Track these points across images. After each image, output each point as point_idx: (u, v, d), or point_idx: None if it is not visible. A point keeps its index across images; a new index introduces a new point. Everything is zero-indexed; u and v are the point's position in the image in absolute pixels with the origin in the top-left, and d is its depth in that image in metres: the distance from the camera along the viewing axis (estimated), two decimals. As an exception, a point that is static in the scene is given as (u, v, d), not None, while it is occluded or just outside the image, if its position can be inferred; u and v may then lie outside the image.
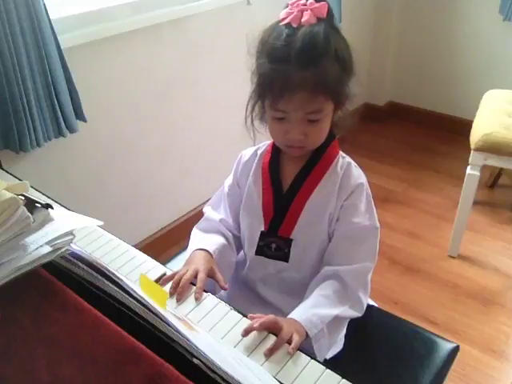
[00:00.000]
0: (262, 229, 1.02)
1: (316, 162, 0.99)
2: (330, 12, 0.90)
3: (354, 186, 0.98)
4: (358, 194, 0.98)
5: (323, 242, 1.00)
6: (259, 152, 1.07)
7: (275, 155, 1.03)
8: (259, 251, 1.04)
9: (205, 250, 0.99)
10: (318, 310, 0.88)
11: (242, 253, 1.12)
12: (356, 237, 0.97)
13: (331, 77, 0.87)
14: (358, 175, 1.00)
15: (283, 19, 0.89)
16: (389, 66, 3.08)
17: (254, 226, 1.04)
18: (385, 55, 3.03)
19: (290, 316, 0.87)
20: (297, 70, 0.85)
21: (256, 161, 1.06)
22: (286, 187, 1.01)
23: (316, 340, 0.85)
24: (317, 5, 0.88)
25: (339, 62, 0.88)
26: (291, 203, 0.99)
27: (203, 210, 1.14)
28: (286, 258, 1.01)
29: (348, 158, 1.02)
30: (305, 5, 0.89)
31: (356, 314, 0.94)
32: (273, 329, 0.79)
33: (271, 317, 0.80)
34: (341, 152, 1.02)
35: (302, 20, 0.87)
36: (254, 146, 1.07)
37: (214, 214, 1.11)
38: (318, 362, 0.75)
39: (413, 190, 2.51)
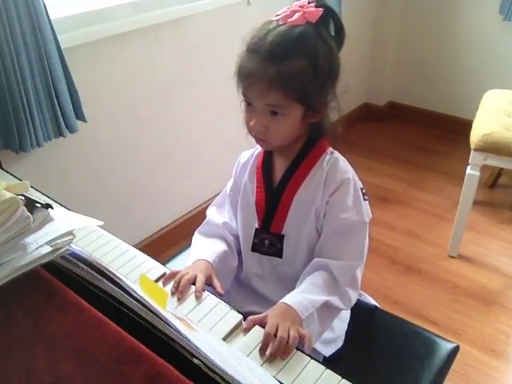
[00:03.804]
0: (257, 226, 1.03)
1: (303, 158, 1.00)
2: (327, 18, 0.91)
3: (340, 181, 0.97)
4: (345, 189, 0.97)
5: (312, 237, 1.00)
6: (256, 153, 1.08)
7: (268, 153, 1.04)
8: (254, 248, 1.05)
9: (205, 260, 0.99)
10: (309, 295, 0.89)
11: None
12: (344, 232, 0.97)
13: (295, 77, 0.87)
14: (345, 170, 0.99)
15: (276, 15, 0.92)
16: (389, 66, 3.07)
17: (248, 224, 1.05)
18: (385, 55, 3.03)
19: (281, 301, 0.88)
20: (261, 61, 0.88)
21: (252, 161, 1.07)
22: (276, 184, 1.02)
23: (307, 324, 0.86)
24: (312, 9, 0.90)
25: (312, 66, 0.88)
26: (280, 199, 1.00)
27: (206, 212, 1.15)
28: (279, 254, 1.02)
29: (336, 154, 1.02)
30: (302, 6, 0.90)
31: (344, 307, 0.94)
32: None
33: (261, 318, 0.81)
34: (330, 148, 1.02)
35: (289, 20, 0.89)
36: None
37: (218, 216, 1.11)
38: (318, 361, 0.75)
39: (413, 190, 2.50)
